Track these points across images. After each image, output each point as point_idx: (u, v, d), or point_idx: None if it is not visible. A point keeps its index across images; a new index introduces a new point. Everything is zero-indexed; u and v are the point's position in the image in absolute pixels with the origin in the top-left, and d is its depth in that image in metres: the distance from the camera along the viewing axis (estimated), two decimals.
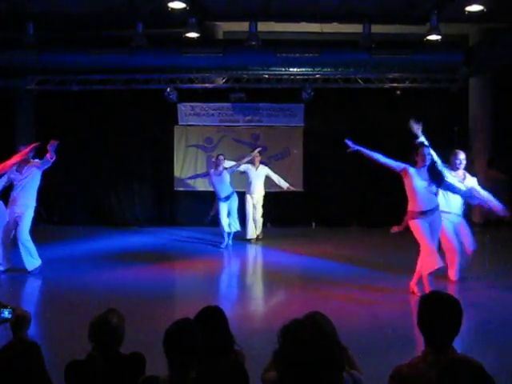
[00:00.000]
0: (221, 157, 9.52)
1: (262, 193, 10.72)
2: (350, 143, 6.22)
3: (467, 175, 6.96)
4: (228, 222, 9.81)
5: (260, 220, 10.78)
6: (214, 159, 10.45)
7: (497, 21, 10.42)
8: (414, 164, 6.19)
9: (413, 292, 6.45)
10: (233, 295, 7.14)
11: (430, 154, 6.17)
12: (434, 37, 9.97)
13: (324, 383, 1.94)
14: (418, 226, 6.21)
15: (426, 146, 6.27)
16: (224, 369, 2.65)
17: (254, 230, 10.58)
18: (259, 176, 10.62)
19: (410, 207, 6.29)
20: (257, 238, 10.72)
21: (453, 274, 7.01)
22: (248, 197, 10.56)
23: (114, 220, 12.65)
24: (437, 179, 6.17)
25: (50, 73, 11.57)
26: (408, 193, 6.28)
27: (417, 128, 6.55)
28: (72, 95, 11.97)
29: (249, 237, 10.52)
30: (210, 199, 10.71)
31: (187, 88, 12.02)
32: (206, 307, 2.99)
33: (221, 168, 9.38)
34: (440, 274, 6.65)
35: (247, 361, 2.98)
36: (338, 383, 2.03)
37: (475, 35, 11.51)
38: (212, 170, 9.51)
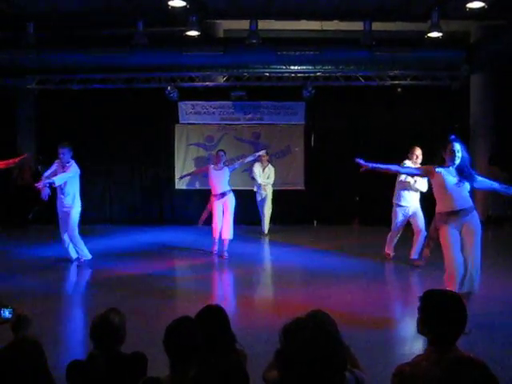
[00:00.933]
0: (221, 152, 9.43)
1: (271, 189, 11.20)
2: (361, 162, 5.46)
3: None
4: (220, 226, 8.98)
5: (268, 215, 11.12)
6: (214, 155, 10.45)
7: (498, 18, 10.38)
8: (441, 162, 5.53)
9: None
10: (234, 294, 7.13)
11: (459, 150, 5.44)
12: (434, 34, 9.95)
13: (326, 382, 1.93)
14: (446, 235, 5.43)
15: (458, 141, 5.48)
16: (224, 368, 2.64)
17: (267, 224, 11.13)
18: (265, 175, 11.09)
19: (439, 209, 5.56)
20: (264, 234, 11.06)
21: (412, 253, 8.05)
22: (257, 193, 11.14)
23: (113, 218, 12.66)
24: (467, 178, 5.44)
25: (51, 72, 11.55)
26: (436, 193, 5.61)
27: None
28: (72, 94, 11.95)
29: (263, 230, 11.12)
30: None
31: (188, 86, 12.02)
32: (207, 306, 2.98)
33: (221, 164, 9.31)
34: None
35: (249, 360, 2.98)
36: (340, 382, 2.02)
37: (476, 32, 11.46)
38: (212, 166, 9.39)
